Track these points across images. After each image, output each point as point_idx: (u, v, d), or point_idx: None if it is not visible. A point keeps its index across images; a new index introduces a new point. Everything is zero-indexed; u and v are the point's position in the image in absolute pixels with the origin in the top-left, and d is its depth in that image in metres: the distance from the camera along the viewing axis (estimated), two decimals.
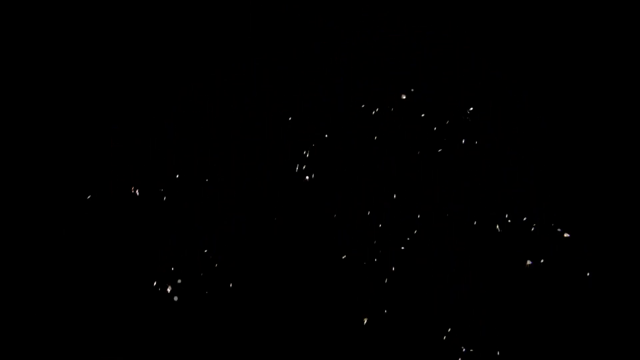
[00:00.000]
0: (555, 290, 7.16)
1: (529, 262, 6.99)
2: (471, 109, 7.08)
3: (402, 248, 7.27)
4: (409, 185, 7.33)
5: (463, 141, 7.41)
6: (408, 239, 7.31)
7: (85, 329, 7.22)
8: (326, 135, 7.30)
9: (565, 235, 7.22)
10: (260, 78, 7.40)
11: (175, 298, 7.15)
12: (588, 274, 7.14)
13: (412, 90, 7.43)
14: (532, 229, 7.26)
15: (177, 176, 7.35)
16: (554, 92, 7.51)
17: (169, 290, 7.14)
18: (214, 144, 7.31)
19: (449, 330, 7.10)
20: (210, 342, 7.21)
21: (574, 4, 7.52)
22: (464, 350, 7.05)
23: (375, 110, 7.40)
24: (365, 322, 7.07)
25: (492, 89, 7.48)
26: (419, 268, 7.28)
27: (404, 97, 6.49)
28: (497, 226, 7.25)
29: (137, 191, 7.28)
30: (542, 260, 7.02)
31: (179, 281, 7.21)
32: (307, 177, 7.30)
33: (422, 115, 7.43)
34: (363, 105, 7.38)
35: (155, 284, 7.24)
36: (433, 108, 7.50)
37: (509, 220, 7.28)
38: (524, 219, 7.27)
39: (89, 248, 7.29)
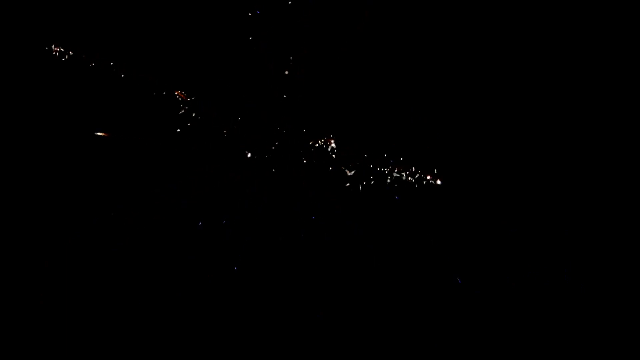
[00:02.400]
0: (555, 291, 7.17)
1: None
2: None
3: (402, 248, 7.28)
4: (409, 186, 7.33)
5: (463, 141, 7.41)
6: (408, 238, 7.32)
7: (84, 327, 7.22)
8: (326, 136, 7.30)
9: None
10: (259, 78, 7.39)
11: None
12: (589, 274, 7.15)
13: (412, 90, 7.42)
14: (532, 230, 7.27)
15: (173, 175, 7.35)
16: (553, 92, 7.50)
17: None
18: (204, 145, 7.31)
19: (450, 330, 7.11)
20: (208, 340, 7.21)
21: (574, 4, 7.52)
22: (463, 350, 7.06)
23: (374, 111, 7.40)
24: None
25: (492, 88, 7.48)
26: (419, 268, 7.28)
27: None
28: (499, 227, 7.26)
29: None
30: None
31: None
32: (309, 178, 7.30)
33: (422, 115, 7.43)
34: (362, 106, 7.37)
35: (154, 283, 7.25)
36: (433, 107, 7.50)
37: (509, 221, 7.29)
38: (524, 219, 7.28)
39: (88, 247, 7.28)
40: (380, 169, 7.33)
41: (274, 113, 7.36)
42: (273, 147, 7.30)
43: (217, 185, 7.31)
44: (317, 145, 7.32)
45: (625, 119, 7.45)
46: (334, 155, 7.32)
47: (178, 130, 7.39)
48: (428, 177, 7.30)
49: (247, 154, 7.31)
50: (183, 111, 7.33)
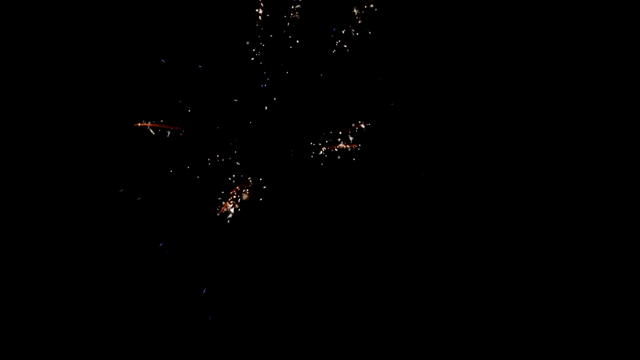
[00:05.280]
0: (555, 291, 7.16)
1: None
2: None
3: (402, 248, 7.27)
4: (409, 186, 7.32)
5: (463, 141, 7.39)
6: (409, 239, 7.30)
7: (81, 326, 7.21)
8: (327, 136, 7.28)
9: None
10: (254, 78, 7.37)
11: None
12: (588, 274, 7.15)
13: (411, 91, 7.41)
14: (532, 231, 7.26)
15: (173, 175, 7.34)
16: (553, 92, 7.49)
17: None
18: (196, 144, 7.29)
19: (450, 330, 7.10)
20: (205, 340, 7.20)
21: (573, 5, 7.51)
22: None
23: (374, 111, 7.38)
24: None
25: (492, 89, 7.46)
26: (419, 268, 7.27)
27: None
28: (497, 227, 7.25)
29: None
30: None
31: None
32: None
33: (422, 116, 7.42)
34: (362, 106, 7.36)
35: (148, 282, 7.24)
36: (433, 107, 7.49)
37: (509, 221, 7.28)
38: (524, 219, 7.26)
39: (88, 247, 7.27)
40: (380, 168, 7.32)
41: (274, 113, 7.34)
42: (273, 148, 7.29)
43: (217, 186, 7.30)
44: (317, 145, 7.31)
45: (625, 120, 7.45)
46: (334, 156, 7.31)
47: (178, 130, 7.37)
48: (428, 177, 7.29)
49: (247, 155, 7.30)
50: (184, 112, 7.32)
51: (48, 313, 7.18)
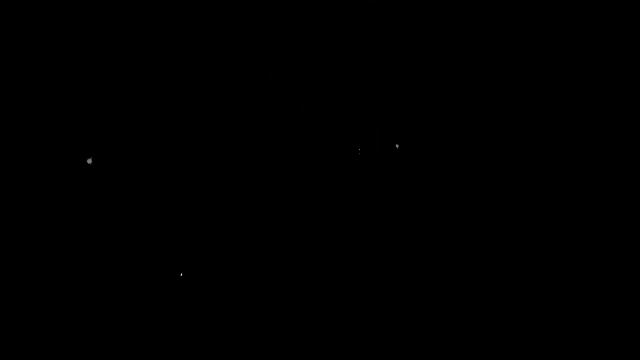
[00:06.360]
0: (555, 291, 7.18)
1: None
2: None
3: (402, 248, 7.29)
4: (409, 186, 7.34)
5: (463, 141, 7.42)
6: (407, 238, 7.32)
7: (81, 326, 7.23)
8: (327, 136, 7.31)
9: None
10: (254, 79, 7.40)
11: None
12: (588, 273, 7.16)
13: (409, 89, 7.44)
14: (532, 230, 7.28)
15: (173, 175, 7.36)
16: (553, 92, 7.51)
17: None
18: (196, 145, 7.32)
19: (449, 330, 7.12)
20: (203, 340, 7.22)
21: (572, 6, 7.53)
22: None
23: (374, 110, 7.41)
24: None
25: (492, 89, 7.49)
26: (419, 268, 7.29)
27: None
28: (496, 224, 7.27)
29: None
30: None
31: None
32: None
33: (422, 115, 7.44)
34: (362, 106, 7.39)
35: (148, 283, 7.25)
36: (433, 107, 7.51)
37: (509, 221, 7.30)
38: (524, 219, 7.28)
39: (88, 247, 7.29)
40: (379, 168, 7.34)
41: (274, 114, 7.37)
42: (274, 147, 7.31)
43: (217, 185, 7.32)
44: (317, 145, 7.34)
45: (625, 119, 7.47)
46: (334, 155, 7.34)
47: (178, 130, 7.40)
48: (427, 177, 7.31)
49: (248, 154, 7.33)
50: (184, 111, 7.34)
51: (48, 313, 7.21)
